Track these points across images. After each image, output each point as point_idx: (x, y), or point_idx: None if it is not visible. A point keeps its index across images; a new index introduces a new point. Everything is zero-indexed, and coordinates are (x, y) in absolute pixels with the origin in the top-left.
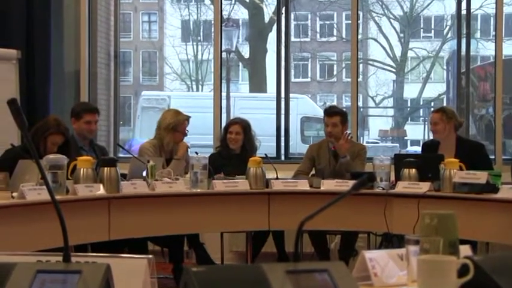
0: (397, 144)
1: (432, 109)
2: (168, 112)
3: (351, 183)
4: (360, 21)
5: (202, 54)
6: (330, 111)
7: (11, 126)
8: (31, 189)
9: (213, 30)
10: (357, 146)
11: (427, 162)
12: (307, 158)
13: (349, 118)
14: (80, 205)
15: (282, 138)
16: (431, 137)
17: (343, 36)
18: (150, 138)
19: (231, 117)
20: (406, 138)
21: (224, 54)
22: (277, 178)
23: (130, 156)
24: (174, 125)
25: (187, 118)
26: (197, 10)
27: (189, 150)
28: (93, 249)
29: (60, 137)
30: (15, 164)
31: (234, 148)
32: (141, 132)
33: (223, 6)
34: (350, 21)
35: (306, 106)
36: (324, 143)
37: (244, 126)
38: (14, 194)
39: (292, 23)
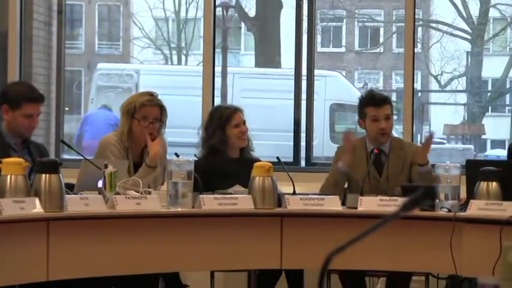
0: (471, 146)
1: None
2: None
3: (402, 201)
4: None
5: (187, 11)
6: (378, 99)
7: None
8: None
9: None
10: (410, 147)
11: None
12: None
13: (401, 106)
14: (5, 229)
15: (302, 135)
16: None
17: None
18: (115, 130)
19: (228, 103)
20: (484, 137)
21: (219, 11)
22: (294, 193)
23: (81, 158)
24: (130, 109)
25: (155, 103)
26: None
27: (167, 150)
28: None
29: None
30: None
31: (236, 149)
32: None
33: None
34: None
35: (339, 88)
36: (360, 142)
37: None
38: None
39: None
